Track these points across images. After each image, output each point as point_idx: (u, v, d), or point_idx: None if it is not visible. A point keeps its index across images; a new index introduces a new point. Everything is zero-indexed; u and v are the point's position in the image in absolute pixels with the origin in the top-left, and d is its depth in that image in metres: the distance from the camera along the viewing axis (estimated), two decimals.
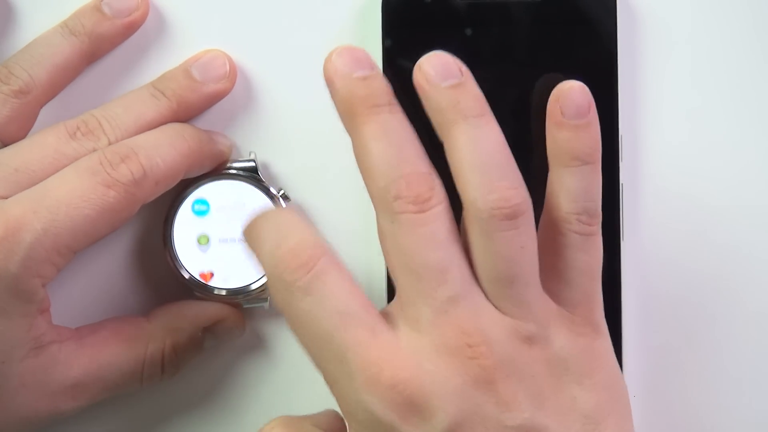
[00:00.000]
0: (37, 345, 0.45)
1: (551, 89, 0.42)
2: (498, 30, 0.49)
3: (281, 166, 0.50)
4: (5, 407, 0.45)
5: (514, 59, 0.49)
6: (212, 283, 0.48)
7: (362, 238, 0.50)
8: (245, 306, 0.49)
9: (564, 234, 0.42)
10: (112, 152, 0.45)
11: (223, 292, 0.48)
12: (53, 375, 0.46)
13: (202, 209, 0.48)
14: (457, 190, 0.41)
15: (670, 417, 0.50)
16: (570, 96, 0.42)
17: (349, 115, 0.41)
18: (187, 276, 0.48)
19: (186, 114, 0.48)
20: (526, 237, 0.40)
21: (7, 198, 0.45)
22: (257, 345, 0.50)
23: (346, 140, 0.49)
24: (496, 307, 0.41)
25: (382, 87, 0.41)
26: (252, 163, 0.49)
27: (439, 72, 0.41)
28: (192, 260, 0.48)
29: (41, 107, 0.48)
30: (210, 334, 0.49)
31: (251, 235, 0.41)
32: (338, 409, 0.41)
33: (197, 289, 0.49)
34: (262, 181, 0.49)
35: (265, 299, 0.49)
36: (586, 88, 0.42)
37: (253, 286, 0.48)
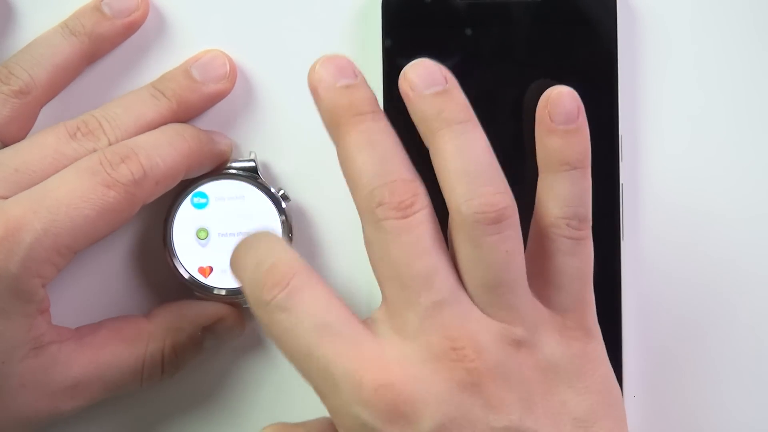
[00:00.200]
0: (37, 345, 0.45)
1: (541, 93, 0.42)
2: (498, 30, 0.49)
3: (281, 166, 0.50)
4: (5, 407, 0.45)
5: (514, 59, 0.49)
6: (211, 280, 0.48)
7: (362, 238, 0.49)
8: (245, 306, 0.49)
9: (554, 239, 0.42)
10: (112, 152, 0.45)
11: (223, 292, 0.48)
12: (53, 375, 0.46)
13: (201, 202, 0.48)
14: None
15: (670, 417, 0.50)
16: (559, 101, 0.42)
17: (334, 124, 0.41)
18: (186, 276, 0.48)
19: (186, 114, 0.48)
20: (511, 242, 0.41)
21: (7, 198, 0.45)
22: (257, 345, 0.50)
23: None
24: (483, 313, 0.41)
25: (365, 96, 0.41)
26: (252, 163, 0.49)
27: (424, 80, 0.41)
28: (191, 256, 0.48)
29: (41, 107, 0.48)
30: (210, 333, 0.49)
31: (234, 263, 0.42)
32: None
33: (197, 289, 0.49)
34: (262, 181, 0.49)
35: None
36: (575, 94, 0.42)
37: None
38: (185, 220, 0.48)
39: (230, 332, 0.49)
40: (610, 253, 0.48)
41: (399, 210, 0.40)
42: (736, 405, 0.50)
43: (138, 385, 0.48)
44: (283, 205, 0.49)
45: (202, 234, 0.48)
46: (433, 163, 0.41)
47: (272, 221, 0.48)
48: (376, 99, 0.42)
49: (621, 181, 0.49)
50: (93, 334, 0.47)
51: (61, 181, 0.45)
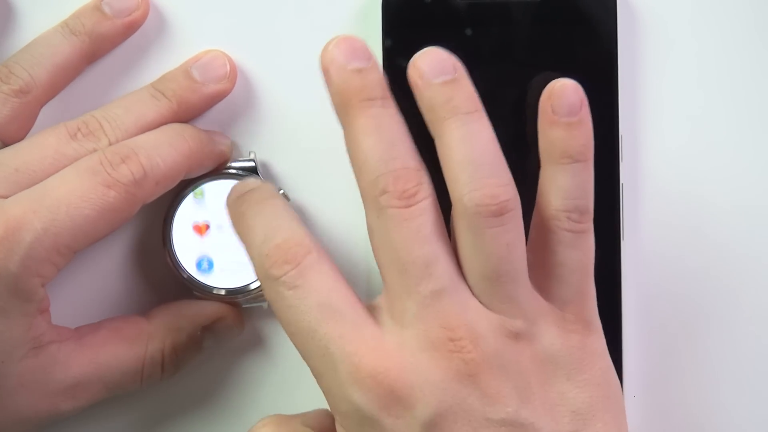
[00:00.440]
0: (37, 345, 0.45)
1: (544, 86, 0.42)
2: (498, 30, 0.49)
3: (281, 165, 0.50)
4: (4, 407, 0.45)
5: (514, 59, 0.49)
6: (211, 280, 0.48)
7: (362, 237, 0.49)
8: (244, 306, 0.49)
9: (555, 231, 0.42)
10: (112, 152, 0.45)
11: (222, 292, 0.48)
12: (53, 375, 0.46)
13: (201, 202, 0.48)
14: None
15: (670, 417, 0.50)
16: (562, 94, 0.42)
17: (343, 106, 0.41)
18: (186, 275, 0.48)
19: (186, 114, 0.48)
20: (513, 234, 0.41)
21: (7, 198, 0.45)
22: (256, 344, 0.50)
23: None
24: (482, 304, 0.41)
25: (376, 80, 0.41)
26: (252, 163, 0.49)
27: (433, 68, 0.41)
28: (191, 256, 0.48)
29: (41, 107, 0.48)
30: (209, 333, 0.49)
31: (240, 224, 0.42)
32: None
33: (196, 289, 0.49)
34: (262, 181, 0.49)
35: (265, 299, 0.49)
36: (579, 86, 0.42)
37: (252, 286, 0.48)
38: (185, 219, 0.48)
39: (230, 332, 0.49)
40: (610, 252, 0.48)
41: (402, 198, 0.40)
42: (736, 404, 0.50)
43: (138, 385, 0.48)
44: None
45: (203, 234, 0.48)
46: (438, 152, 0.41)
47: None
48: (387, 84, 0.41)
49: (621, 181, 0.49)
50: (93, 333, 0.47)
51: (61, 181, 0.45)
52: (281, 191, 0.49)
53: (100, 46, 0.49)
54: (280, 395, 0.50)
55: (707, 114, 0.50)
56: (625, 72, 0.49)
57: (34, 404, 0.46)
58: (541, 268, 0.42)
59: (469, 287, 0.41)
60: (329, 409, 0.42)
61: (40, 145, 0.46)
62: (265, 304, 0.49)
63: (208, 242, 0.48)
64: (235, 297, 0.48)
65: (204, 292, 0.49)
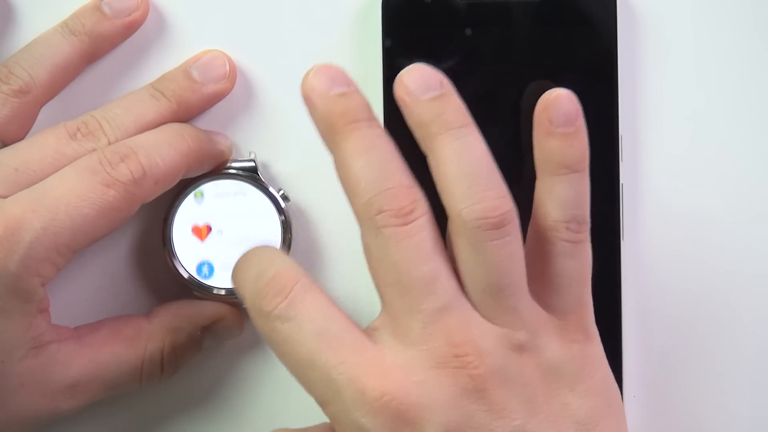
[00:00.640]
0: (37, 344, 0.45)
1: (540, 94, 0.42)
2: (498, 30, 0.49)
3: (281, 166, 0.50)
4: (4, 407, 0.45)
5: (514, 59, 0.49)
6: (211, 280, 0.48)
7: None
8: (244, 306, 0.49)
9: (553, 242, 0.42)
10: (111, 152, 0.45)
11: (222, 292, 0.48)
12: (52, 374, 0.46)
13: (201, 202, 0.48)
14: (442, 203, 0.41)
15: (670, 417, 0.50)
16: (558, 104, 0.42)
17: (329, 132, 0.41)
18: (186, 275, 0.48)
19: (186, 114, 0.49)
20: (513, 246, 0.40)
21: (6, 197, 0.45)
22: (256, 344, 0.50)
23: None
24: (485, 317, 0.41)
25: (360, 103, 0.41)
26: (252, 163, 0.49)
27: (420, 85, 0.41)
28: (191, 256, 0.48)
29: (41, 107, 0.48)
30: (209, 333, 0.49)
31: (236, 277, 0.42)
32: None
33: (196, 289, 0.49)
34: (262, 181, 0.49)
35: None
36: (574, 96, 0.42)
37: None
38: (185, 219, 0.48)
39: (229, 332, 0.49)
40: (610, 253, 0.48)
41: (399, 217, 0.40)
42: (735, 405, 0.50)
43: (137, 384, 0.48)
44: (283, 205, 0.49)
45: (203, 235, 0.48)
46: (431, 168, 0.41)
47: (272, 221, 0.48)
48: (370, 106, 0.41)
49: (621, 181, 0.49)
50: (92, 333, 0.47)
51: (61, 180, 0.45)
52: (281, 191, 0.49)
53: (99, 46, 0.49)
54: (279, 395, 0.50)
55: (707, 114, 0.50)
56: (625, 72, 0.49)
57: (34, 404, 0.46)
58: (539, 277, 0.42)
59: (470, 301, 0.41)
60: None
61: (40, 145, 0.46)
62: None
63: (209, 244, 0.48)
64: (235, 297, 0.48)
65: (204, 292, 0.49)
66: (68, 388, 0.46)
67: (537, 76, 0.48)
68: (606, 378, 0.42)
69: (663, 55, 0.50)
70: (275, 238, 0.48)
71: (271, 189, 0.49)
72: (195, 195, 0.48)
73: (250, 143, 0.50)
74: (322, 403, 0.40)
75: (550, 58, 0.48)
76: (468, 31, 0.49)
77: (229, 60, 0.49)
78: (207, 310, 0.49)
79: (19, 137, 0.48)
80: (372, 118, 0.41)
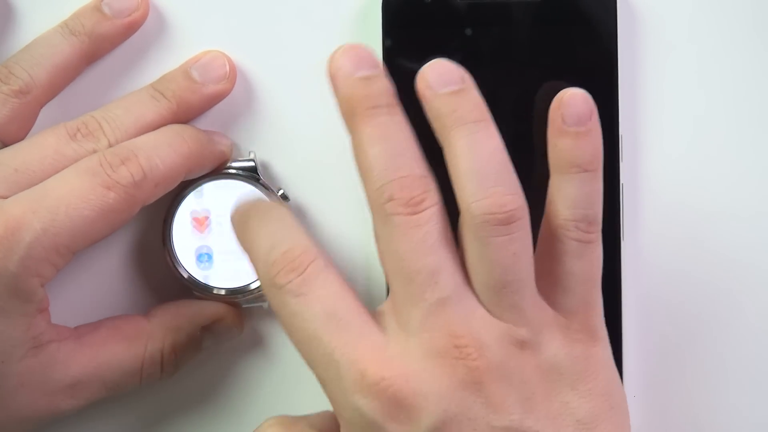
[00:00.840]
0: (36, 344, 0.45)
1: (553, 94, 0.42)
2: (498, 30, 0.49)
3: (281, 166, 0.50)
4: (4, 406, 0.45)
5: (514, 59, 0.49)
6: (211, 280, 0.48)
7: (362, 238, 0.50)
8: (244, 306, 0.49)
9: (562, 241, 0.42)
10: (112, 154, 0.45)
11: (223, 292, 0.48)
12: (52, 374, 0.46)
13: (201, 202, 0.48)
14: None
15: (670, 417, 0.50)
16: (571, 103, 0.42)
17: (349, 114, 0.41)
18: (186, 275, 0.48)
19: (186, 115, 0.49)
20: (520, 243, 0.40)
21: (6, 198, 0.45)
22: (256, 344, 0.50)
23: (346, 140, 0.49)
24: (489, 312, 0.41)
25: (383, 88, 0.41)
26: (251, 163, 0.49)
27: (441, 79, 0.41)
28: (191, 256, 0.48)
29: (41, 107, 0.48)
30: (209, 333, 0.49)
31: (245, 235, 0.42)
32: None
33: (196, 289, 0.49)
34: (262, 181, 0.49)
35: (265, 299, 0.49)
36: (588, 96, 0.42)
37: (253, 286, 0.48)
38: (185, 219, 0.48)
39: (229, 332, 0.49)
40: (610, 253, 0.48)
41: (409, 206, 0.40)
42: (736, 404, 0.50)
43: (137, 384, 0.48)
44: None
45: (203, 234, 0.48)
46: (446, 161, 0.41)
47: None
48: (393, 92, 0.41)
49: (621, 181, 0.49)
50: (92, 333, 0.47)
51: (61, 182, 0.45)
52: (281, 191, 0.49)
53: (99, 47, 0.49)
54: (279, 395, 0.50)
55: (707, 114, 0.50)
56: (625, 72, 0.49)
57: (34, 403, 0.46)
58: (548, 276, 0.42)
59: (476, 295, 0.41)
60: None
61: (40, 145, 0.46)
62: (265, 304, 0.49)
63: (209, 238, 0.48)
64: (235, 297, 0.49)
65: (204, 291, 0.49)
66: (68, 388, 0.46)
67: (537, 76, 0.48)
68: (610, 380, 0.42)
69: (663, 55, 0.50)
70: None
71: (270, 189, 0.49)
72: (195, 195, 0.48)
73: (250, 143, 0.50)
74: (323, 382, 0.41)
75: (550, 58, 0.48)
76: (468, 31, 0.49)
77: (229, 60, 0.49)
78: (207, 310, 0.49)
79: (19, 138, 0.48)
80: (393, 104, 0.41)
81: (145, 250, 0.50)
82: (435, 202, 0.41)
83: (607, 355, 0.43)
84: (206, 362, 0.50)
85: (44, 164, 0.46)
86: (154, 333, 0.48)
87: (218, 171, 0.49)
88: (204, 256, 0.48)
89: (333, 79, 0.41)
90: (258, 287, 0.48)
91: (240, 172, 0.49)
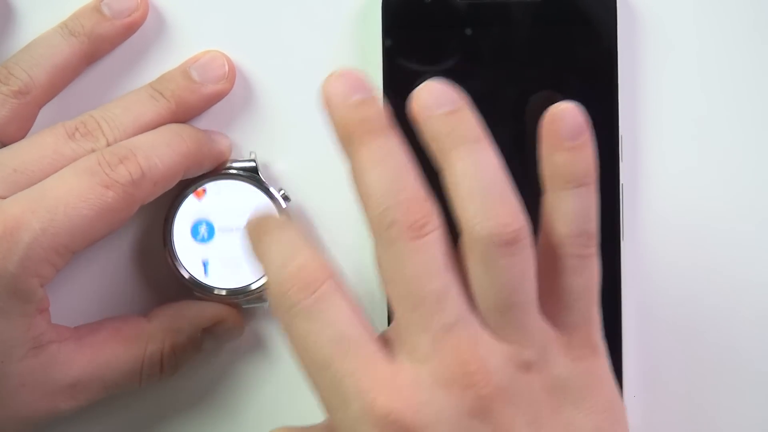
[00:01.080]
0: (36, 345, 0.45)
1: (544, 105, 0.42)
2: (498, 30, 0.48)
3: (281, 166, 0.50)
4: (4, 407, 0.45)
5: (514, 59, 0.49)
6: (211, 280, 0.48)
7: (363, 239, 0.50)
8: (245, 306, 0.49)
9: (561, 257, 0.41)
10: (110, 153, 0.45)
11: (223, 292, 0.48)
12: (52, 374, 0.46)
13: (201, 202, 0.48)
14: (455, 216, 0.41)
15: (670, 417, 0.50)
16: (564, 118, 0.41)
17: (346, 140, 0.41)
18: (187, 276, 0.48)
19: (185, 115, 0.49)
20: (525, 263, 0.40)
21: (5, 198, 0.45)
22: (256, 345, 0.50)
23: None
24: (494, 334, 0.40)
25: (377, 112, 0.41)
26: (252, 163, 0.49)
27: (434, 100, 0.40)
28: (192, 256, 0.48)
29: (40, 108, 0.48)
30: (209, 335, 0.49)
31: (259, 246, 0.41)
32: None
33: (197, 289, 0.49)
34: (263, 182, 0.49)
35: (265, 300, 0.49)
36: (580, 110, 0.41)
37: (253, 286, 0.48)
38: (185, 220, 0.48)
39: (230, 334, 0.49)
40: (610, 253, 0.48)
41: (412, 230, 0.39)
42: (736, 404, 0.50)
43: (137, 384, 0.48)
44: (284, 205, 0.49)
45: (203, 234, 0.48)
46: (444, 182, 0.41)
47: None
48: (389, 116, 0.41)
49: (621, 181, 0.49)
50: (92, 333, 0.47)
51: (60, 181, 0.45)
52: (282, 191, 0.49)
53: (99, 47, 0.49)
54: (279, 396, 0.50)
55: (707, 114, 0.50)
56: (625, 72, 0.49)
57: (34, 404, 0.46)
58: (547, 293, 0.41)
59: (481, 317, 0.40)
60: None
61: (39, 145, 0.46)
62: (265, 305, 0.49)
63: (210, 238, 0.48)
64: (236, 297, 0.49)
65: (205, 292, 0.49)
66: (68, 388, 0.46)
67: (537, 76, 0.48)
68: (611, 395, 0.42)
69: (663, 55, 0.50)
70: None
71: (271, 189, 0.49)
72: (195, 195, 0.48)
73: (250, 144, 0.50)
74: (329, 409, 0.40)
75: (550, 58, 0.48)
76: (468, 31, 0.49)
77: (229, 60, 0.49)
78: (207, 311, 0.49)
79: (19, 138, 0.48)
80: (389, 127, 0.41)
81: (146, 251, 0.50)
82: (438, 225, 0.40)
83: (607, 367, 0.42)
84: (206, 363, 0.50)
85: (43, 164, 0.46)
86: (154, 334, 0.48)
87: (218, 170, 0.49)
88: (205, 256, 0.48)
89: (327, 104, 0.41)
90: (259, 287, 0.48)
91: (241, 172, 0.49)
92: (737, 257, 0.50)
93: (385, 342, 0.40)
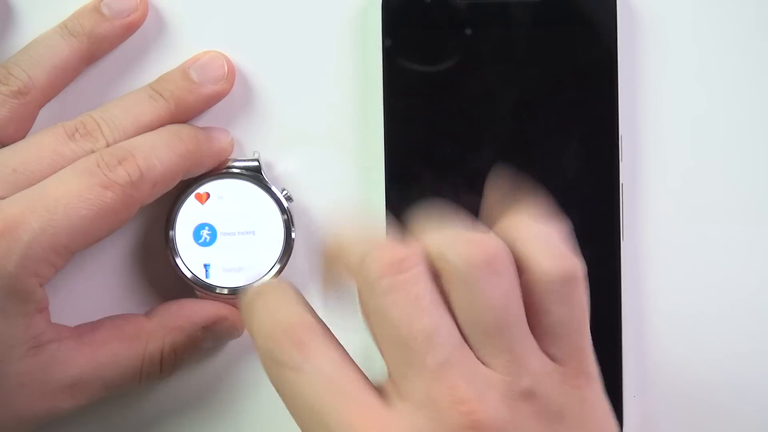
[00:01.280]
0: (36, 344, 0.45)
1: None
2: (498, 30, 0.48)
3: (282, 166, 0.50)
4: (4, 406, 0.45)
5: (514, 59, 0.49)
6: (213, 279, 0.48)
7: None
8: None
9: (545, 293, 0.40)
10: (109, 154, 0.45)
11: (225, 291, 0.48)
12: (52, 374, 0.46)
13: (203, 201, 0.48)
14: None
15: (670, 417, 0.50)
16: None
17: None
18: (189, 275, 0.48)
19: (184, 115, 0.48)
20: (507, 283, 0.39)
21: (4, 198, 0.45)
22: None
23: (347, 140, 0.49)
24: (488, 366, 0.39)
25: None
26: (255, 163, 0.49)
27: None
28: (193, 256, 0.48)
29: (40, 108, 0.48)
30: (209, 334, 0.49)
31: (246, 311, 0.41)
32: None
33: (199, 288, 0.49)
34: (265, 181, 0.49)
35: None
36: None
37: (255, 285, 0.48)
38: (187, 219, 0.48)
39: (230, 332, 0.49)
40: (610, 253, 0.48)
41: (392, 268, 0.39)
42: (736, 404, 0.50)
43: (136, 383, 0.48)
44: (286, 204, 0.49)
45: (205, 233, 0.48)
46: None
47: (275, 220, 0.48)
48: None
49: (621, 181, 0.49)
50: (92, 332, 0.47)
51: (59, 181, 0.45)
52: (284, 191, 0.49)
53: (98, 48, 0.49)
54: (278, 395, 0.50)
55: (707, 114, 0.50)
56: (625, 72, 0.49)
57: (34, 403, 0.46)
58: (536, 327, 0.40)
59: (472, 349, 0.39)
60: None
61: (38, 145, 0.46)
62: None
63: (212, 238, 0.48)
64: (238, 296, 0.48)
65: (207, 291, 0.48)
66: (68, 388, 0.46)
67: (537, 76, 0.48)
68: (605, 420, 0.41)
69: (663, 55, 0.50)
70: (278, 237, 0.48)
71: (274, 189, 0.49)
72: (198, 199, 0.48)
73: (251, 144, 0.50)
74: None
75: (550, 58, 0.48)
76: (468, 31, 0.49)
77: (228, 61, 0.49)
78: (208, 310, 0.49)
79: (18, 138, 0.48)
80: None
81: (148, 250, 0.50)
82: (418, 262, 0.39)
83: (601, 393, 0.41)
84: (206, 362, 0.50)
85: (42, 164, 0.46)
86: (154, 332, 0.48)
87: (220, 167, 0.49)
88: (207, 260, 0.48)
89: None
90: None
91: (244, 171, 0.49)
92: (737, 257, 0.50)
93: (380, 389, 0.39)
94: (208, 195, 0.48)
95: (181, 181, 0.47)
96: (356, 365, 0.39)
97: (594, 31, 0.48)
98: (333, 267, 0.41)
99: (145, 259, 0.50)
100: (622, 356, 0.48)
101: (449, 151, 0.48)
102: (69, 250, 0.45)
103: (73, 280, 0.50)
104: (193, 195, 0.48)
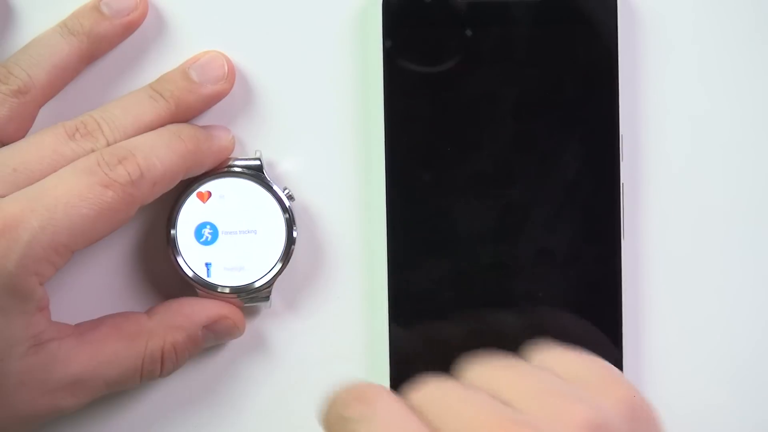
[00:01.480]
0: (36, 342, 0.45)
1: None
2: (498, 30, 0.49)
3: (282, 166, 0.50)
4: (5, 405, 0.45)
5: (514, 59, 0.49)
6: (215, 279, 0.48)
7: (365, 239, 0.50)
8: (247, 304, 0.49)
9: None
10: (109, 153, 0.45)
11: (227, 290, 0.48)
12: (53, 372, 0.46)
13: (205, 200, 0.48)
14: None
15: (670, 417, 0.50)
16: None
17: None
18: (191, 273, 0.48)
19: (184, 115, 0.48)
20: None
21: (4, 197, 0.45)
22: (257, 344, 0.50)
23: (348, 140, 0.49)
24: None
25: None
26: (257, 162, 0.49)
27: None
28: (195, 254, 0.48)
29: (40, 107, 0.48)
30: (210, 332, 0.49)
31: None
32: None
33: (201, 287, 0.48)
34: (267, 180, 0.49)
35: (267, 298, 0.49)
36: None
37: (257, 284, 0.48)
38: (189, 217, 0.48)
39: (231, 332, 0.49)
40: (610, 253, 0.48)
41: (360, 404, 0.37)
42: (736, 404, 0.50)
43: (137, 382, 0.48)
44: (288, 203, 0.49)
45: (207, 232, 0.48)
46: None
47: (276, 220, 0.48)
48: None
49: (621, 181, 0.49)
50: (93, 330, 0.47)
51: (59, 180, 0.45)
52: (286, 191, 0.49)
53: (98, 47, 0.49)
54: (280, 395, 0.50)
55: (708, 114, 0.50)
56: (626, 72, 0.49)
57: (35, 402, 0.46)
58: None
59: None
60: None
61: (38, 144, 0.46)
62: (267, 303, 0.49)
63: (213, 237, 0.48)
64: (239, 295, 0.48)
65: (208, 289, 0.48)
66: (69, 386, 0.46)
67: (537, 76, 0.48)
68: None
69: (663, 55, 0.50)
70: (279, 236, 0.48)
71: (275, 188, 0.49)
72: (200, 198, 0.48)
73: (252, 143, 0.50)
74: None
75: (550, 58, 0.48)
76: (468, 31, 0.49)
77: (228, 61, 0.49)
78: (209, 308, 0.49)
79: (18, 138, 0.48)
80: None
81: (149, 248, 0.50)
82: (388, 398, 0.37)
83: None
84: (206, 362, 0.50)
85: (43, 164, 0.46)
86: (154, 331, 0.48)
87: (222, 166, 0.49)
88: (208, 259, 0.48)
89: None
90: (262, 285, 0.48)
91: (245, 170, 0.49)
92: (737, 257, 0.50)
93: None
94: (209, 194, 0.48)
95: (182, 180, 0.47)
96: (419, 421, 0.37)
97: (594, 31, 0.48)
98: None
99: (146, 257, 0.50)
100: (622, 356, 0.48)
101: (449, 151, 0.48)
102: (69, 249, 0.45)
103: (73, 278, 0.50)
104: (194, 194, 0.48)
